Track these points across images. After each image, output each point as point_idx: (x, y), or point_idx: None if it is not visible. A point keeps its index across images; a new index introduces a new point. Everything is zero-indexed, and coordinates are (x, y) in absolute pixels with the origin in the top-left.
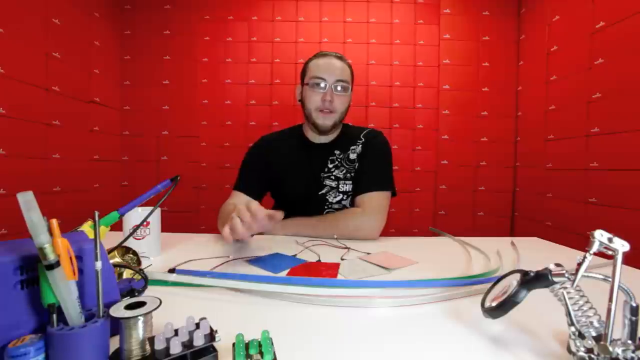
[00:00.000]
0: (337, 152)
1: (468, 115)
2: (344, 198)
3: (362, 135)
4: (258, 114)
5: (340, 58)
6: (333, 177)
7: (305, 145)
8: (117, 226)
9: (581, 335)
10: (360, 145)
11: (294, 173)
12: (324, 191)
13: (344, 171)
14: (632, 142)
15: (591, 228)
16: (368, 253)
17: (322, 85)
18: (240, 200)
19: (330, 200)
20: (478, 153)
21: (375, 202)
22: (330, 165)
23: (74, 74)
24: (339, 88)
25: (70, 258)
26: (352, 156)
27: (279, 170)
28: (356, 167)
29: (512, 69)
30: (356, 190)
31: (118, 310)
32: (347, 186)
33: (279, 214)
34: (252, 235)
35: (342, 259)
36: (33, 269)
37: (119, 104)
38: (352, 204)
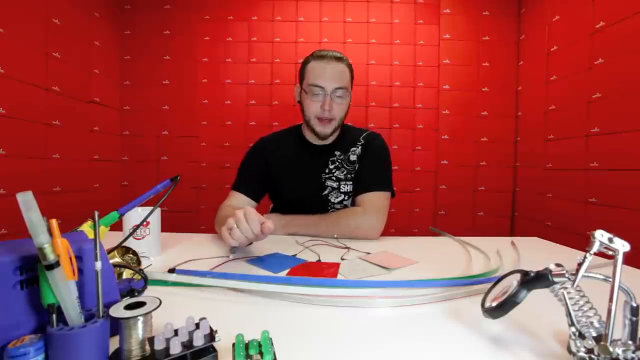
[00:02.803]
0: (337, 153)
1: (468, 115)
2: (346, 198)
3: (361, 137)
4: (258, 114)
5: (340, 59)
6: (334, 178)
7: (305, 147)
8: (117, 226)
9: (581, 336)
10: (360, 147)
11: (295, 174)
12: (326, 192)
13: (345, 172)
14: (632, 142)
15: (591, 228)
16: (368, 253)
17: (321, 93)
18: (238, 201)
19: (332, 200)
20: (478, 153)
21: (376, 202)
22: (331, 166)
23: (74, 74)
24: (338, 94)
25: (70, 258)
26: (353, 158)
27: (279, 171)
28: (356, 168)
29: (512, 69)
30: (356, 189)
31: (118, 311)
32: (348, 186)
33: (271, 225)
34: (250, 243)
35: (342, 259)
36: (33, 269)
37: (119, 104)
38: (353, 204)
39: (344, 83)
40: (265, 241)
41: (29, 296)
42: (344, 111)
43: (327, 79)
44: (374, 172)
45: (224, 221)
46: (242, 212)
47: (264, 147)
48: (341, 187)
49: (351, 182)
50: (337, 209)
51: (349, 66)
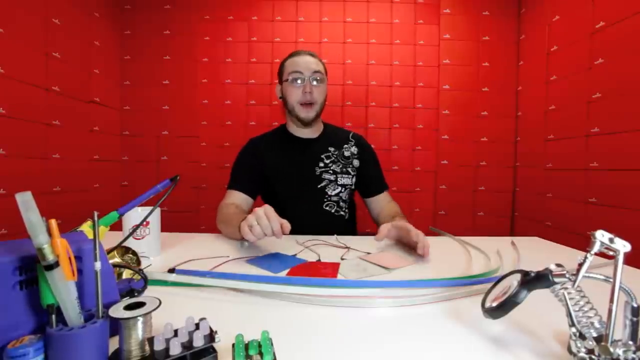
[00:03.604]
0: (331, 149)
1: (468, 115)
2: (342, 191)
3: (350, 136)
4: (258, 114)
5: (313, 55)
6: (331, 172)
7: (293, 142)
8: (117, 226)
9: (582, 336)
10: (354, 146)
11: (288, 169)
12: (323, 184)
13: (340, 166)
14: (632, 142)
15: (591, 228)
16: (368, 253)
17: (301, 78)
18: (237, 198)
19: (329, 193)
20: (478, 153)
21: (392, 199)
22: (327, 161)
23: (74, 74)
24: (316, 79)
25: (70, 258)
26: (347, 153)
27: (272, 168)
28: (353, 163)
29: (512, 69)
30: (370, 190)
31: (117, 311)
32: (344, 179)
33: (289, 225)
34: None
35: (342, 259)
36: (32, 269)
37: (119, 104)
38: (350, 197)
39: (320, 68)
40: (265, 241)
41: (28, 297)
42: (322, 96)
43: (305, 66)
44: (379, 173)
45: (227, 219)
46: (262, 210)
47: (255, 146)
48: (338, 179)
49: (347, 175)
50: (334, 202)
51: (322, 62)
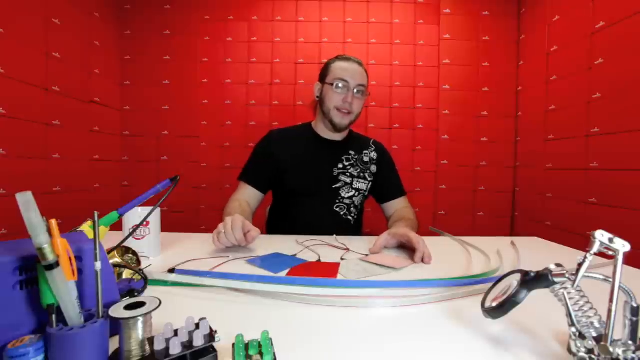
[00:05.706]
0: (352, 152)
1: (468, 115)
2: (356, 195)
3: (370, 142)
4: (258, 114)
5: (360, 64)
6: (348, 174)
7: (317, 142)
8: (117, 226)
9: (582, 336)
10: (374, 152)
11: (305, 165)
12: (338, 185)
13: (358, 170)
14: (632, 142)
15: (591, 228)
16: (367, 255)
17: (345, 87)
18: (245, 193)
19: (342, 195)
20: (478, 153)
21: (409, 205)
22: (346, 163)
23: (74, 74)
24: (359, 90)
25: (70, 258)
26: (366, 159)
27: (289, 163)
28: (370, 168)
29: (512, 69)
30: (385, 194)
31: (117, 311)
32: (359, 184)
33: (255, 235)
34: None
35: (342, 259)
36: (32, 269)
37: (119, 104)
38: (361, 203)
39: (365, 82)
40: (265, 241)
41: (28, 296)
42: (360, 108)
43: (352, 75)
44: (396, 180)
45: (229, 214)
46: (230, 219)
47: (272, 139)
48: (354, 183)
49: (363, 181)
50: (346, 204)
51: (367, 72)
